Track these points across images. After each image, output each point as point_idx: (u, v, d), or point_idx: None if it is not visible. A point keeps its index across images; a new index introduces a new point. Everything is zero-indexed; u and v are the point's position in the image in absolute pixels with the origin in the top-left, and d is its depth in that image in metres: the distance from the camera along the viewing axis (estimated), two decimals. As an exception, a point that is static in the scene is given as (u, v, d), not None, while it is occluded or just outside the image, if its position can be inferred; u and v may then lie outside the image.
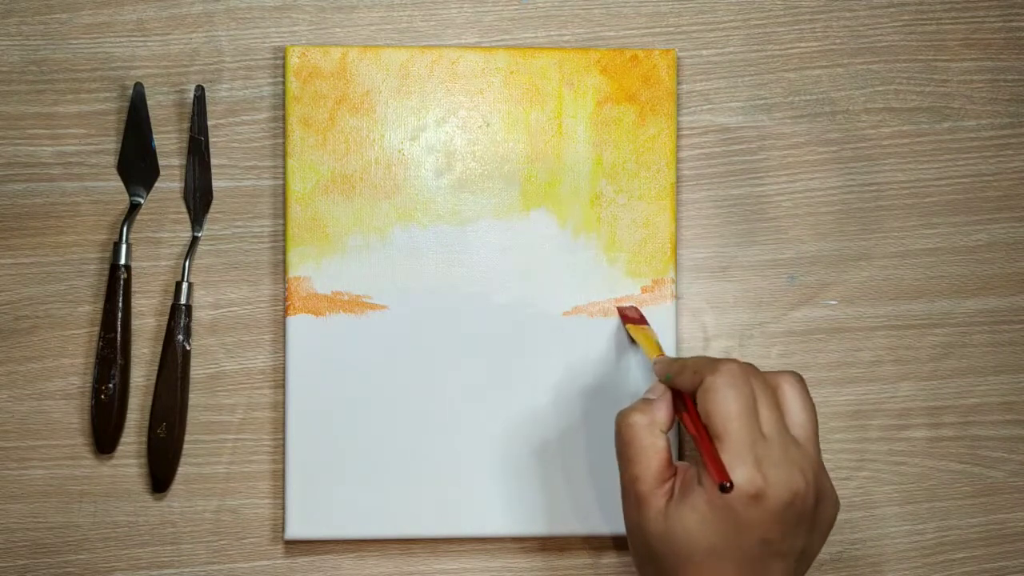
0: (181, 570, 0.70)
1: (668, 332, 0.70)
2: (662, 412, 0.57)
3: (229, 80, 0.71)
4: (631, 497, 0.56)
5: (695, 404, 0.56)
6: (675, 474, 0.56)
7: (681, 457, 0.71)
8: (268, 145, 0.71)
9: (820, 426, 0.72)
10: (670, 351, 0.70)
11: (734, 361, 0.55)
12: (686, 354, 0.72)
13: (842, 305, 0.73)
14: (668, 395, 0.58)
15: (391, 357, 0.70)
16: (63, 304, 0.70)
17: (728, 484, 0.51)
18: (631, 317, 0.69)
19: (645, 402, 0.57)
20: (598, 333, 0.70)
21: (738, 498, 0.52)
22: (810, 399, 0.57)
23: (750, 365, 0.56)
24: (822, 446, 0.72)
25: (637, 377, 0.70)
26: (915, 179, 0.73)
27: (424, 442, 0.69)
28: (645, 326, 0.68)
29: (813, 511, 0.54)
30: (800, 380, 0.57)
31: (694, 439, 0.55)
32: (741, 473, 0.52)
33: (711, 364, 0.55)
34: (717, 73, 0.73)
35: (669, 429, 0.57)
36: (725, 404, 0.53)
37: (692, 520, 0.53)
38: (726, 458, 0.52)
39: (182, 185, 0.71)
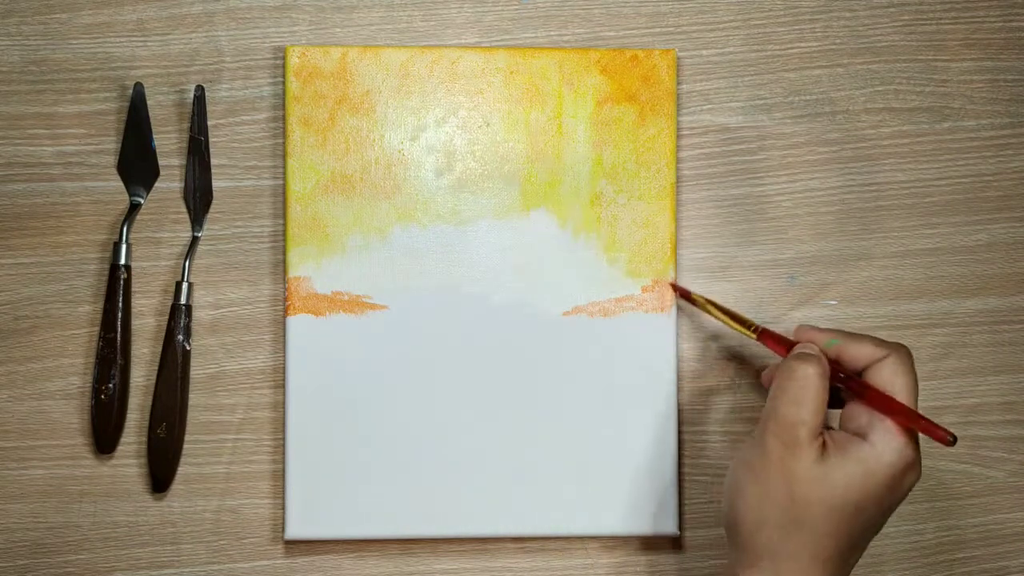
0: (181, 570, 0.70)
1: (668, 332, 0.70)
2: (824, 365, 0.60)
3: (229, 80, 0.71)
4: (787, 438, 0.59)
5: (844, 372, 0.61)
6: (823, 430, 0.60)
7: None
8: (268, 145, 0.71)
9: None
10: (670, 351, 0.70)
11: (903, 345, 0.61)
12: (688, 354, 0.72)
13: (842, 305, 0.73)
14: (824, 357, 0.61)
15: (391, 357, 0.70)
16: (63, 304, 0.70)
17: (953, 437, 0.56)
18: (682, 292, 0.71)
19: (815, 356, 0.60)
20: (598, 333, 0.70)
21: (903, 463, 0.58)
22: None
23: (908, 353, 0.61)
24: (822, 446, 0.72)
25: (637, 378, 0.70)
26: (915, 179, 0.73)
27: (424, 442, 0.69)
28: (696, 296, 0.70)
29: (906, 493, 0.60)
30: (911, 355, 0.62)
31: (878, 402, 0.59)
32: (914, 443, 0.58)
33: (890, 343, 0.61)
34: (717, 73, 0.73)
35: None
36: (909, 380, 0.59)
37: (855, 472, 0.57)
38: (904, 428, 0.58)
39: (182, 185, 0.71)
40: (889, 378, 0.59)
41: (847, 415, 0.61)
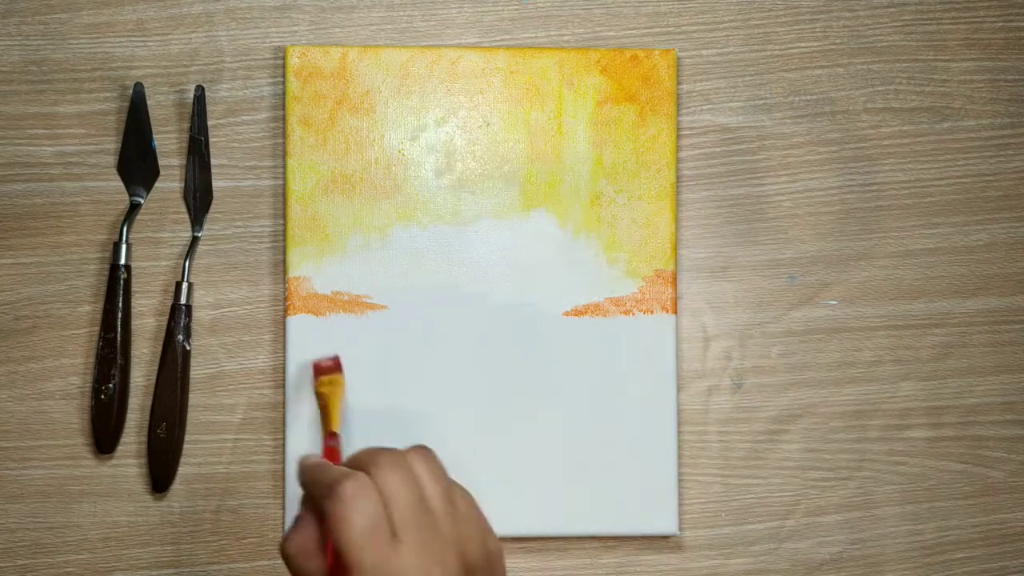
0: (181, 570, 0.70)
1: (668, 332, 0.70)
2: (311, 529, 0.52)
3: (229, 80, 0.71)
4: None
5: None
6: None
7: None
8: (268, 145, 0.71)
9: (820, 426, 0.72)
10: (670, 351, 0.70)
11: (353, 479, 0.50)
12: (688, 354, 0.72)
13: (842, 305, 0.73)
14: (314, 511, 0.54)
15: (391, 357, 0.70)
16: (63, 304, 0.70)
17: None
18: (324, 368, 0.67)
19: (296, 522, 0.53)
20: (598, 333, 0.70)
21: None
22: (437, 465, 0.54)
23: (389, 465, 0.52)
24: (823, 446, 0.72)
25: (637, 378, 0.70)
26: (915, 179, 0.73)
27: (423, 442, 0.69)
28: (336, 376, 0.67)
29: None
30: (424, 451, 0.54)
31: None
32: None
33: (331, 487, 0.50)
34: (717, 73, 0.73)
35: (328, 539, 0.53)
36: (347, 532, 0.49)
37: None
38: None
39: (182, 185, 0.71)
40: (332, 537, 0.50)
41: None
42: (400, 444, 0.70)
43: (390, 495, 0.51)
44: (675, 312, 0.71)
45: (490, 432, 0.70)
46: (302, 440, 0.69)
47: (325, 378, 0.67)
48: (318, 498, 0.51)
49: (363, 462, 0.52)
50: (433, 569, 0.51)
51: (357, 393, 0.69)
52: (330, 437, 0.62)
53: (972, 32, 0.73)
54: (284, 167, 0.70)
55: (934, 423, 0.73)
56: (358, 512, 0.50)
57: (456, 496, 0.54)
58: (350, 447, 0.69)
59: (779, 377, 0.72)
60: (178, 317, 0.69)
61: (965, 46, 0.74)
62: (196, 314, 0.70)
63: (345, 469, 0.52)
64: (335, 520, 0.50)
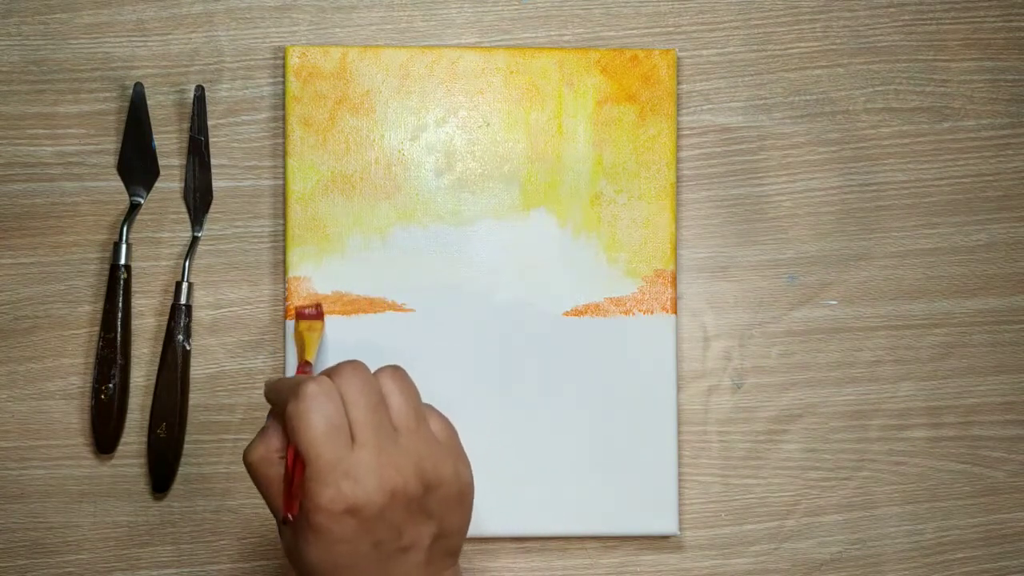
0: (181, 570, 0.70)
1: (668, 332, 0.70)
2: (275, 439, 0.55)
3: (229, 80, 0.71)
4: (277, 525, 0.56)
5: None
6: None
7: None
8: (268, 145, 0.71)
9: (820, 426, 0.72)
10: (670, 351, 0.70)
11: (315, 380, 0.53)
12: (688, 354, 0.72)
13: (842, 305, 0.73)
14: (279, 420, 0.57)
15: (390, 357, 0.70)
16: (63, 304, 0.70)
17: (288, 517, 0.52)
18: (306, 315, 0.69)
19: (260, 433, 0.56)
20: (598, 333, 0.70)
21: (330, 517, 0.52)
22: (408, 384, 0.55)
23: (350, 371, 0.54)
24: (823, 446, 0.72)
25: (637, 378, 0.70)
26: (915, 179, 0.73)
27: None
28: (316, 322, 0.68)
29: (422, 499, 0.54)
30: (397, 369, 0.56)
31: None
32: (326, 495, 0.52)
33: (293, 389, 0.53)
34: (717, 73, 0.73)
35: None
36: (307, 430, 0.52)
37: (305, 543, 0.53)
38: (312, 483, 0.52)
39: (182, 185, 0.71)
40: (290, 436, 0.53)
41: None
42: (400, 444, 0.70)
43: (350, 400, 0.53)
44: (675, 312, 0.71)
45: (489, 432, 0.70)
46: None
47: (305, 323, 0.68)
48: (282, 404, 0.54)
49: (328, 371, 0.54)
50: (389, 472, 0.53)
51: (357, 393, 0.69)
52: (304, 365, 0.64)
53: (972, 32, 0.74)
54: (284, 167, 0.70)
55: (934, 423, 0.73)
56: (317, 411, 0.52)
57: (431, 418, 0.56)
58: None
59: (779, 377, 0.72)
60: (178, 317, 0.69)
61: (965, 46, 0.74)
62: (196, 314, 0.70)
63: (308, 376, 0.54)
64: (295, 419, 0.52)
